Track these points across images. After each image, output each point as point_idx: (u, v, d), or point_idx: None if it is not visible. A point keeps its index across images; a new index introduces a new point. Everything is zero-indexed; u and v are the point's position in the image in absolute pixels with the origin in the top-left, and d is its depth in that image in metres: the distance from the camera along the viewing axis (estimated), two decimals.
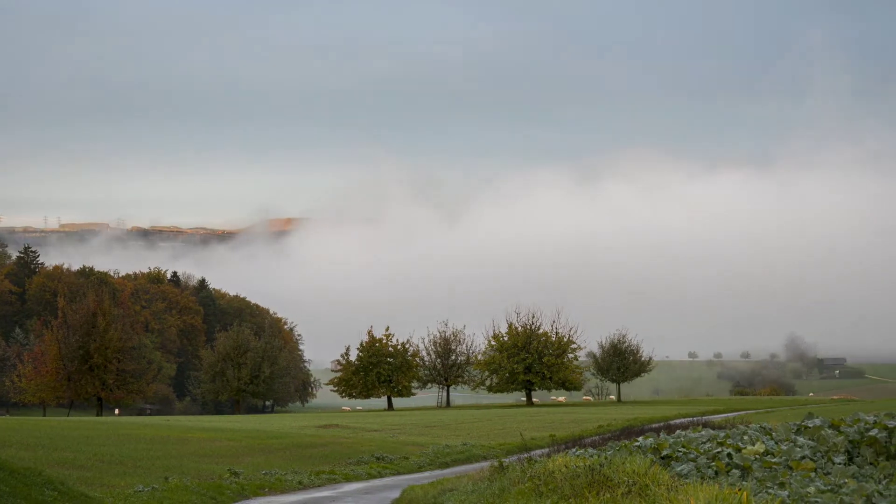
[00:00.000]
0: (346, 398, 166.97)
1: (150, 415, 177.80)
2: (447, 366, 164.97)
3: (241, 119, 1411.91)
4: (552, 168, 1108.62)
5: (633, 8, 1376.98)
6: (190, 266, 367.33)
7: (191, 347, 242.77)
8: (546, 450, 50.45)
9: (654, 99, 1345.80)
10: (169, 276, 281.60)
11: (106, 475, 46.90)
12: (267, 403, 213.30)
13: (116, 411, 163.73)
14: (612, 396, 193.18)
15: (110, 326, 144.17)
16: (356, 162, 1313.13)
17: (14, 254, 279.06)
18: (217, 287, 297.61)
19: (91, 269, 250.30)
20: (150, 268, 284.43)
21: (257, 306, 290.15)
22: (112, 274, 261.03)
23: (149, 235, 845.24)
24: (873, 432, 31.89)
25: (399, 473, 58.26)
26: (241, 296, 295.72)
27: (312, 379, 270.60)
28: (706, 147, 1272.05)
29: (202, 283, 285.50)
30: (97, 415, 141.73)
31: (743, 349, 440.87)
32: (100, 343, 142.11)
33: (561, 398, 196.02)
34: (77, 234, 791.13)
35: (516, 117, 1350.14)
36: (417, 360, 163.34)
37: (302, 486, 50.35)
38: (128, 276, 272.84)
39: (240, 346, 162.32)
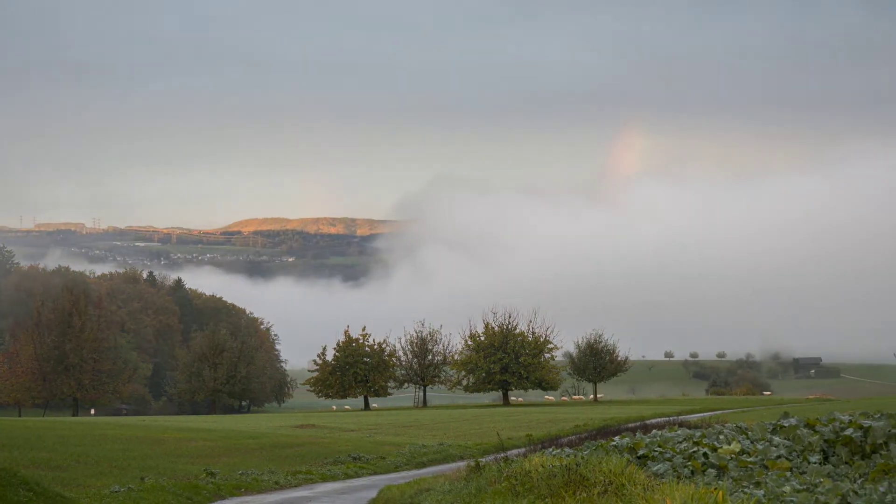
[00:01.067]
0: (323, 398, 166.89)
1: (126, 415, 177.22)
2: (424, 366, 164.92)
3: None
4: None
5: None
6: (167, 266, 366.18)
7: (167, 347, 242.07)
8: (522, 450, 50.45)
9: None
10: (145, 275, 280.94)
11: (82, 475, 46.77)
12: (243, 403, 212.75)
13: (92, 411, 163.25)
14: (579, 396, 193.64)
15: (86, 326, 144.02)
16: None
17: None
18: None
19: (67, 269, 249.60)
20: (125, 268, 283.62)
21: (234, 306, 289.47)
22: (88, 274, 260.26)
23: (125, 235, 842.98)
24: (848, 432, 31.98)
25: (376, 473, 58.20)
26: (218, 295, 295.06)
27: (289, 379, 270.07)
28: None
29: (178, 282, 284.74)
30: (73, 415, 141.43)
31: (719, 349, 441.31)
32: (75, 343, 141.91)
33: (549, 397, 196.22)
34: (53, 234, 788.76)
35: None
36: (394, 360, 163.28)
37: (278, 486, 50.27)
38: (104, 275, 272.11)
39: (216, 346, 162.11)
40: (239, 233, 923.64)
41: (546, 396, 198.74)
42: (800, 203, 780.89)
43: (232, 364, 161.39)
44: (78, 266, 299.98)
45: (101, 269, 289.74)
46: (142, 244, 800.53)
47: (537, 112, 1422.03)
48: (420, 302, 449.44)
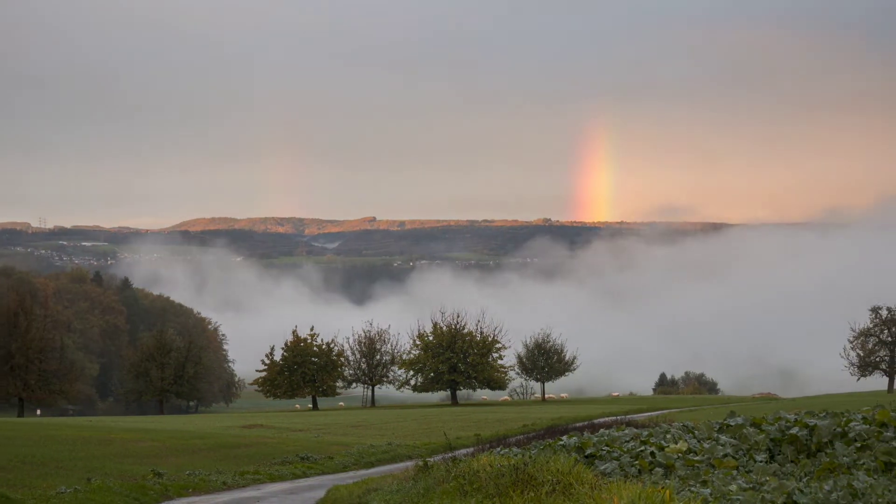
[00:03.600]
0: (271, 398, 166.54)
1: (72, 415, 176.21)
2: (372, 365, 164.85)
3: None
4: None
5: None
6: (114, 266, 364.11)
7: (114, 347, 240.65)
8: (471, 449, 50.51)
9: None
10: (91, 275, 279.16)
11: (27, 476, 46.49)
12: (191, 404, 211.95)
13: (38, 412, 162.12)
14: (536, 395, 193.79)
15: (32, 326, 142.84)
16: None
17: None
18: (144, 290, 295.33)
19: (12, 269, 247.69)
20: (72, 267, 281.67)
21: (181, 306, 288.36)
22: (34, 273, 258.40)
23: (71, 234, 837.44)
24: (794, 430, 32.20)
25: (324, 473, 58.16)
26: (166, 296, 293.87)
27: (236, 379, 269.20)
28: None
29: (125, 282, 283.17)
30: (18, 415, 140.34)
31: None
32: (21, 343, 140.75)
33: (506, 397, 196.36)
34: None
35: None
36: (342, 359, 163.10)
37: (226, 487, 50.16)
38: (50, 275, 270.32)
39: (163, 346, 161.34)
40: (187, 232, 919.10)
41: (504, 397, 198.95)
42: None
43: (179, 364, 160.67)
44: (23, 266, 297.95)
45: (47, 269, 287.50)
46: (88, 244, 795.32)
47: None
48: None
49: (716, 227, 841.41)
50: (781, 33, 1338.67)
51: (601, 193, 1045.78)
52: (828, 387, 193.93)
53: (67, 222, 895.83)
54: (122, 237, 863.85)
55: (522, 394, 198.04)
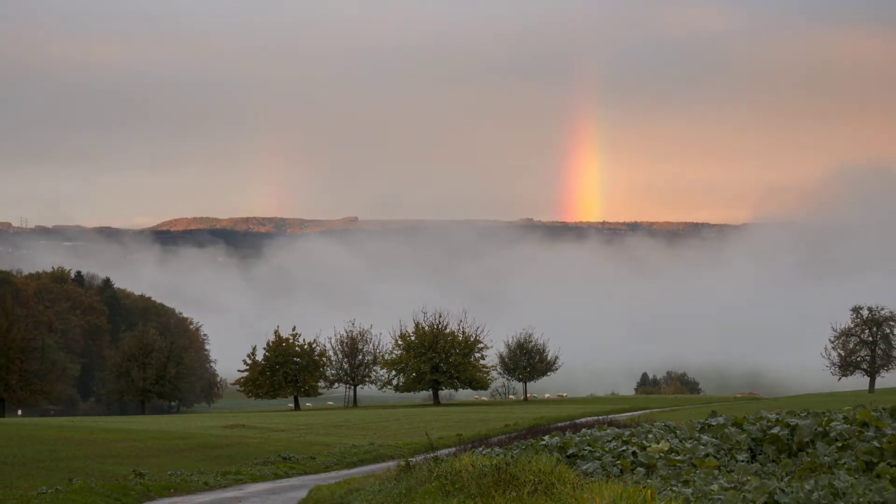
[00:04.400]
0: (253, 398, 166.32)
1: (53, 416, 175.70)
2: (354, 365, 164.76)
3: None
4: None
5: None
6: (96, 265, 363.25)
7: (95, 347, 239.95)
8: (453, 449, 50.53)
9: None
10: (73, 275, 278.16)
11: (8, 477, 46.37)
12: (172, 404, 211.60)
13: (19, 412, 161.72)
14: (511, 396, 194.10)
15: (13, 326, 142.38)
16: None
17: None
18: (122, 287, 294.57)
19: None
20: (53, 267, 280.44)
21: (163, 306, 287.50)
22: (15, 273, 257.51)
23: (53, 234, 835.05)
24: (775, 430, 32.28)
25: (306, 473, 58.09)
26: (147, 296, 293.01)
27: (219, 379, 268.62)
28: None
29: (107, 282, 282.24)
30: None
31: None
32: (2, 343, 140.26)
33: (481, 397, 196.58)
34: None
35: None
36: (324, 360, 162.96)
37: (208, 487, 50.07)
38: (31, 275, 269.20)
39: (145, 346, 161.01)
40: (168, 232, 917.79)
41: (476, 396, 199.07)
42: None
43: (161, 364, 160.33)
44: (4, 265, 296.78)
45: (28, 269, 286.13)
46: (70, 243, 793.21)
47: None
48: None
49: (696, 227, 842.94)
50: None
51: (584, 194, 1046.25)
52: (797, 387, 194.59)
53: (49, 222, 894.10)
54: (104, 237, 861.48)
55: (504, 394, 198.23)
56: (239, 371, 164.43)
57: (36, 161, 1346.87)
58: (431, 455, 39.57)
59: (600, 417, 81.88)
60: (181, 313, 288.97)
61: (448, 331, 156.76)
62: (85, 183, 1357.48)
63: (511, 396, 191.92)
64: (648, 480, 27.33)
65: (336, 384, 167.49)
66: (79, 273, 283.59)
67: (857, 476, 26.26)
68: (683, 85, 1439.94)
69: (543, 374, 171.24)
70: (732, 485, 25.41)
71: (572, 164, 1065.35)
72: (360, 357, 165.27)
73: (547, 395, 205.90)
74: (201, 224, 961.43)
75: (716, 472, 28.57)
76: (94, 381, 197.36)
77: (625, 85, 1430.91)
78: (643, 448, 32.72)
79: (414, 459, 41.92)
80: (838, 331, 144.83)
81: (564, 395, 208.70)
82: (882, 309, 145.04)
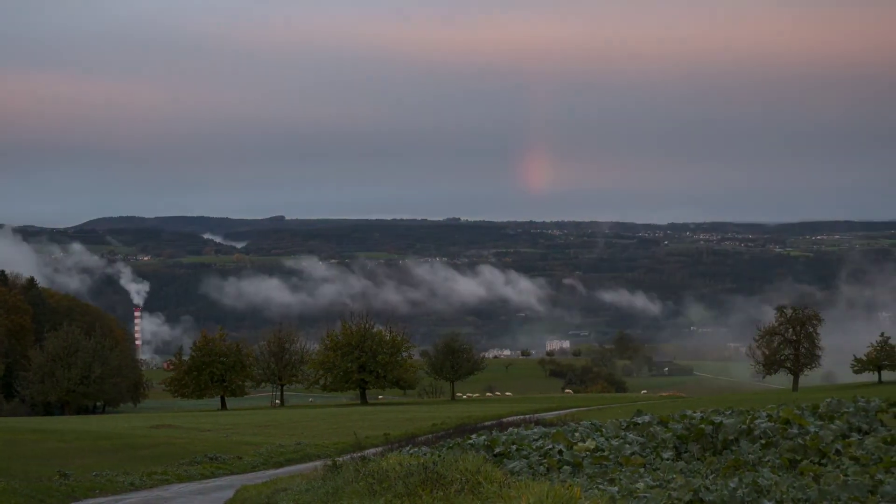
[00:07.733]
0: (179, 398, 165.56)
1: None
2: (281, 365, 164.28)
3: None
4: None
5: None
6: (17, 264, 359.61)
7: (19, 347, 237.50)
8: (380, 448, 50.57)
9: None
10: None
11: None
12: (98, 404, 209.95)
13: None
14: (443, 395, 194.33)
15: None
16: None
17: None
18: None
19: None
20: None
21: (88, 306, 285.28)
22: None
23: None
24: (701, 427, 32.57)
25: (233, 473, 57.90)
26: (72, 295, 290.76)
27: (145, 379, 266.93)
28: None
29: (31, 281, 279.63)
30: None
31: (575, 347, 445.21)
32: None
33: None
34: None
35: None
36: (251, 359, 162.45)
37: (134, 488, 49.83)
38: None
39: (70, 347, 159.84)
40: (93, 230, 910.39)
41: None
42: None
43: (86, 364, 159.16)
44: None
45: None
46: None
47: None
48: None
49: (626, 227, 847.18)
50: None
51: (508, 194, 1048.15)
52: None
53: None
54: (27, 235, 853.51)
55: (431, 392, 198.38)
56: (165, 370, 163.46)
57: None
58: (359, 455, 39.64)
59: (527, 416, 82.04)
60: (107, 312, 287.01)
61: (375, 330, 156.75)
62: (8, 180, 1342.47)
63: (442, 396, 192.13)
64: (575, 479, 27.48)
65: (262, 384, 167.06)
66: (2, 272, 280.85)
67: (780, 473, 26.56)
68: None
69: (470, 373, 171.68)
70: (658, 483, 25.61)
71: (503, 163, 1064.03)
72: (286, 356, 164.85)
73: (468, 395, 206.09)
74: (126, 223, 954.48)
75: (641, 470, 28.77)
76: (19, 382, 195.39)
77: None
78: (570, 447, 32.90)
79: (341, 459, 41.90)
80: (763, 329, 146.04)
81: (494, 394, 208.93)
82: (805, 308, 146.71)
